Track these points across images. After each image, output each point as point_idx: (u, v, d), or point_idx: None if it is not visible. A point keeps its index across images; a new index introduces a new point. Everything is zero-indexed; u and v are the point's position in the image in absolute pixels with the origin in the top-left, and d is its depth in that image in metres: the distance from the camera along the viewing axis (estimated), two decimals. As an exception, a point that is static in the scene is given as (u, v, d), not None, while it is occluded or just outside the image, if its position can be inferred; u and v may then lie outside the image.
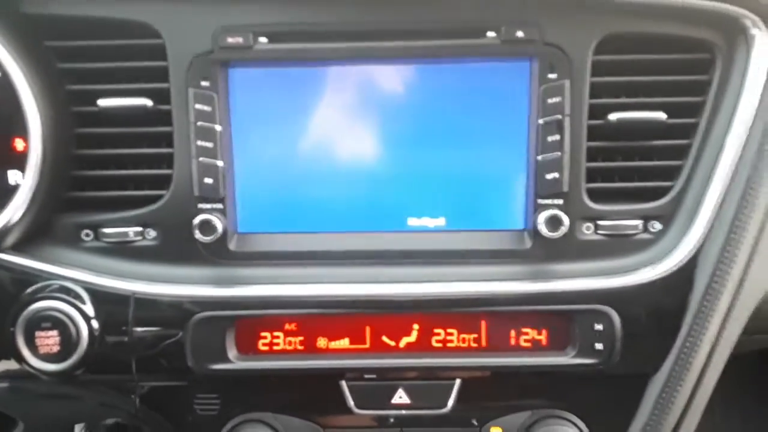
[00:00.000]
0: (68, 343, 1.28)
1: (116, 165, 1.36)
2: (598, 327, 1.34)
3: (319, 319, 1.38)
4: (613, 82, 1.33)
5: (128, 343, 1.34)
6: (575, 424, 1.45)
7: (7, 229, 1.30)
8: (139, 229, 1.37)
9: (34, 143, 1.25)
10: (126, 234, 1.37)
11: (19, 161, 1.26)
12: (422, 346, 1.38)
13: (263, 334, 1.37)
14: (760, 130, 1.30)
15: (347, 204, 1.38)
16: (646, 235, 1.38)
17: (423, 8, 1.30)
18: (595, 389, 1.43)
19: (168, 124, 1.33)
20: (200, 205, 1.35)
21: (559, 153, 1.32)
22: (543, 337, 1.37)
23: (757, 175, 1.30)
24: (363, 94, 1.35)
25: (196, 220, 1.33)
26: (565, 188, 1.34)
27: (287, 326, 1.37)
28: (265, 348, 1.38)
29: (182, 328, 1.34)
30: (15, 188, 1.27)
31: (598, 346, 1.35)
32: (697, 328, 1.35)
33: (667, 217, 1.37)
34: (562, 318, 1.36)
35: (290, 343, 1.38)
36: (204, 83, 1.31)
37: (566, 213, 1.33)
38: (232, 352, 1.37)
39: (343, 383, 1.41)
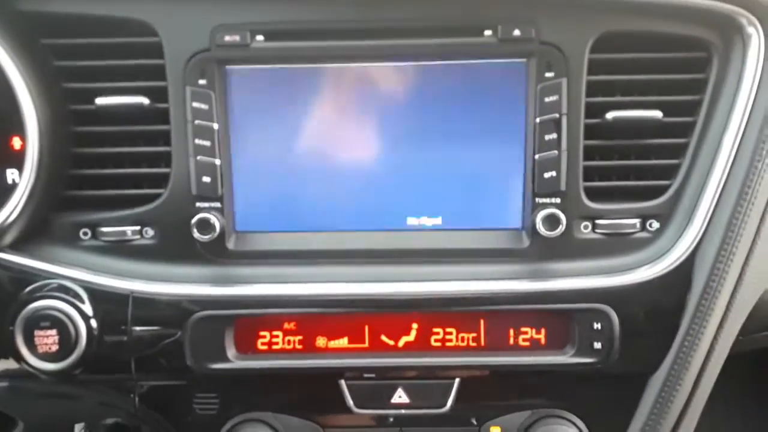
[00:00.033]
0: (67, 342, 1.28)
1: (114, 164, 1.36)
2: (597, 326, 1.34)
3: (318, 318, 1.38)
4: (610, 81, 1.33)
5: (127, 342, 1.34)
6: (575, 424, 1.44)
7: (4, 228, 1.30)
8: (137, 228, 1.37)
9: (31, 142, 1.26)
10: (124, 233, 1.37)
11: (17, 160, 1.27)
12: (421, 346, 1.38)
13: (262, 333, 1.37)
14: (757, 129, 1.30)
15: (345, 203, 1.38)
16: (643, 234, 1.38)
17: (420, 7, 1.30)
18: (594, 389, 1.42)
19: (165, 123, 1.33)
20: (198, 204, 1.35)
21: (557, 152, 1.32)
22: (542, 336, 1.37)
23: (754, 173, 1.30)
24: (360, 92, 1.35)
25: (194, 219, 1.33)
26: (563, 187, 1.33)
27: (286, 325, 1.37)
28: (264, 347, 1.38)
29: (181, 328, 1.34)
30: (12, 187, 1.28)
31: (597, 345, 1.35)
32: (696, 327, 1.35)
33: (664, 215, 1.37)
34: (560, 317, 1.36)
35: (289, 342, 1.38)
36: (201, 81, 1.31)
37: (564, 212, 1.33)
38: (231, 352, 1.37)
39: (343, 383, 1.41)
